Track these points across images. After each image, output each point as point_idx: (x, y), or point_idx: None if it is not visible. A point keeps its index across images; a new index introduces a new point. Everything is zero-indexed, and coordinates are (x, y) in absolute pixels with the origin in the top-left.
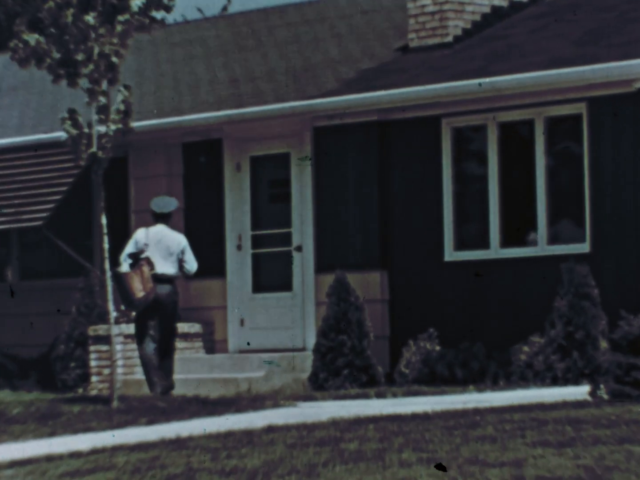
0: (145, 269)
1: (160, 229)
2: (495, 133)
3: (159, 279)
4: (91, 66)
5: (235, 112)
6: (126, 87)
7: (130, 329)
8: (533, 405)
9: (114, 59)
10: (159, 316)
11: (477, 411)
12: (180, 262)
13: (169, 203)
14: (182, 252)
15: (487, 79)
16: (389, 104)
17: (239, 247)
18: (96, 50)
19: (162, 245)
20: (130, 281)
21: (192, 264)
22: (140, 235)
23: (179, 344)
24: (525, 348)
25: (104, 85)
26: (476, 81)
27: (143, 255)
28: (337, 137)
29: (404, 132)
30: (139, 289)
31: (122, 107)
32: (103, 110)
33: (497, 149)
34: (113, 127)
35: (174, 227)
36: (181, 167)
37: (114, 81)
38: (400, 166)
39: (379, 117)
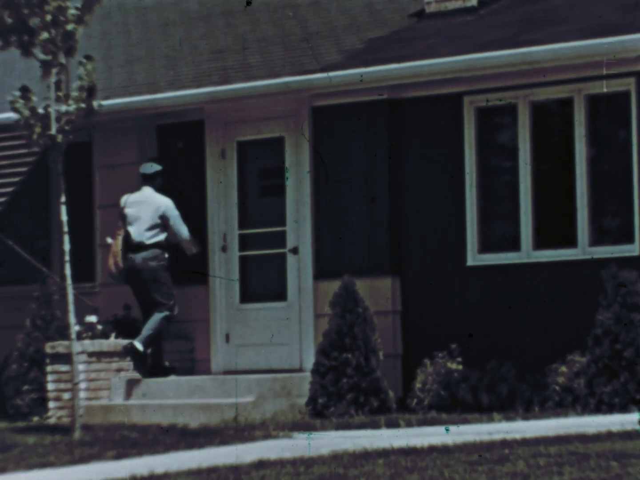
0: (117, 240)
1: (141, 193)
2: (527, 114)
3: (136, 247)
4: (45, 34)
5: (220, 89)
6: (88, 58)
7: (95, 345)
8: (572, 436)
9: (70, 27)
10: (140, 288)
11: (505, 443)
12: (167, 230)
13: (154, 164)
14: (164, 218)
15: (518, 50)
16: (402, 79)
17: (224, 249)
18: (48, 16)
19: (139, 210)
20: (108, 254)
21: (180, 230)
22: (122, 200)
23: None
24: (564, 368)
25: (61, 57)
26: (505, 52)
27: (120, 224)
28: (340, 119)
29: (419, 112)
30: (112, 262)
31: (84, 83)
32: (61, 86)
33: (529, 132)
34: (74, 106)
35: None
36: (155, 154)
37: (71, 52)
38: (414, 153)
39: (389, 95)
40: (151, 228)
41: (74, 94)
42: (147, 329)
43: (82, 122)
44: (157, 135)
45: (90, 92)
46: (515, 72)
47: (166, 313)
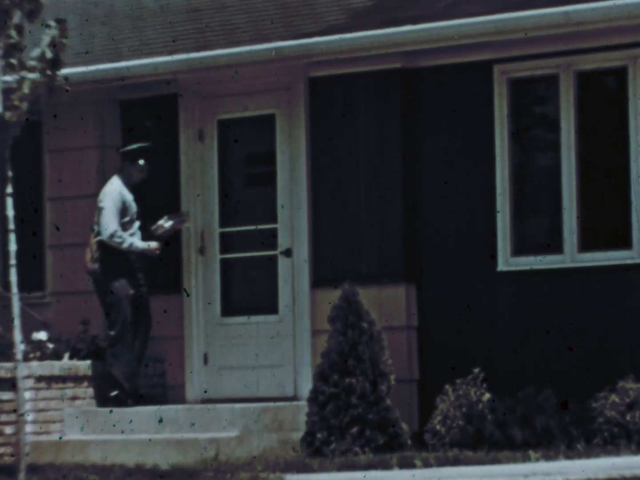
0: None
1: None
2: (571, 86)
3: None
4: None
5: (197, 56)
6: (59, 21)
7: (44, 368)
8: (627, 478)
9: None
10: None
11: None
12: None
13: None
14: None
15: (560, 9)
16: (419, 44)
17: (202, 251)
18: None
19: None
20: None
21: (101, 227)
22: None
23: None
24: (615, 397)
25: (17, 16)
26: (544, 12)
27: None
28: (343, 92)
29: (440, 84)
30: (89, 257)
31: (48, 52)
32: (14, 52)
33: (573, 108)
34: (31, 77)
35: None
36: (118, 136)
37: (35, 14)
38: (433, 133)
39: (403, 64)
40: (97, 223)
41: (31, 63)
42: (109, 370)
43: (46, 99)
44: (121, 113)
45: (55, 63)
46: (556, 36)
47: (110, 342)
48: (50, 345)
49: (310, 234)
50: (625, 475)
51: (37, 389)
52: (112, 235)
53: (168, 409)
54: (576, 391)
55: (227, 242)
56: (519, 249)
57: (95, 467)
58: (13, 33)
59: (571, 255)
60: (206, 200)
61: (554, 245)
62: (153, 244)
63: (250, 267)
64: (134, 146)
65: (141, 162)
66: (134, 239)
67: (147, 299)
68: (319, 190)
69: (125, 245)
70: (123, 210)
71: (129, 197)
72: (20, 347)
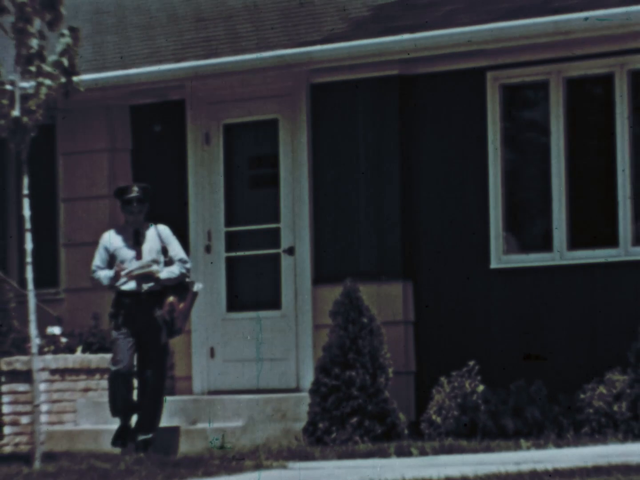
0: None
1: None
2: (560, 92)
3: None
4: None
5: (203, 64)
6: (72, 30)
7: (58, 361)
8: (613, 466)
9: None
10: None
11: (535, 474)
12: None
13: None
14: None
15: (550, 18)
16: (416, 51)
17: (208, 249)
18: None
19: None
20: None
21: None
22: None
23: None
24: (602, 389)
25: (37, 24)
26: (535, 21)
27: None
28: (343, 98)
29: (436, 90)
30: None
31: (65, 60)
32: (34, 59)
33: (562, 113)
34: (47, 83)
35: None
36: (128, 139)
37: (56, 23)
38: (429, 138)
39: (401, 71)
40: None
41: (47, 69)
42: None
43: (62, 102)
44: (131, 118)
45: (71, 69)
46: (547, 44)
47: None
48: (64, 340)
49: (311, 233)
50: (612, 463)
51: (52, 381)
52: (91, 278)
53: (176, 400)
54: (566, 382)
55: (233, 241)
56: (511, 247)
57: (107, 455)
58: (34, 42)
59: (561, 253)
60: (213, 201)
61: (544, 244)
62: (110, 273)
63: (255, 265)
64: (118, 189)
65: (131, 205)
66: (100, 273)
67: (152, 341)
68: (319, 191)
69: (96, 280)
70: (111, 257)
71: (117, 243)
72: (35, 341)
